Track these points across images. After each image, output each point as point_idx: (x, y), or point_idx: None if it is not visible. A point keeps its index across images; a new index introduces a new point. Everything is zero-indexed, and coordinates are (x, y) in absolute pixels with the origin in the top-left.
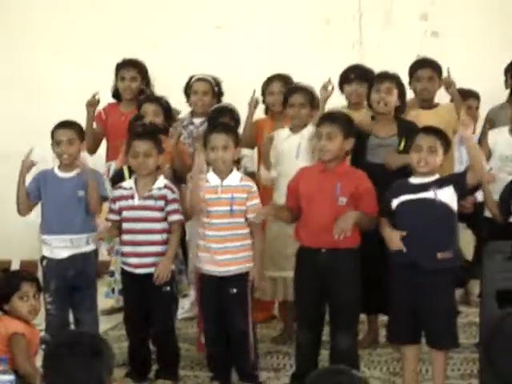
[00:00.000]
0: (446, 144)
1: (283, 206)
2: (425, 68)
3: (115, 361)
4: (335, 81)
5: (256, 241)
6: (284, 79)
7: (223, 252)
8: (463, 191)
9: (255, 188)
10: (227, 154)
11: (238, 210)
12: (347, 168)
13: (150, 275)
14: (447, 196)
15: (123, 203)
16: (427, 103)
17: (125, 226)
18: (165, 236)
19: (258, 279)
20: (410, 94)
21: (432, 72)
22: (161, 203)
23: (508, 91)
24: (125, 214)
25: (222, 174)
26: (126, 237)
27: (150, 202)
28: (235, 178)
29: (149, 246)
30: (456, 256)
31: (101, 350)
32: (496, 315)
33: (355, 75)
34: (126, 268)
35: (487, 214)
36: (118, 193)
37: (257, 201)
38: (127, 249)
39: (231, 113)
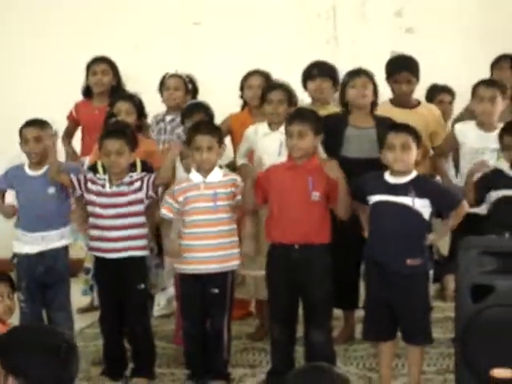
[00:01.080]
0: (418, 140)
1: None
2: (402, 72)
3: (91, 359)
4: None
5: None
6: (263, 75)
7: (204, 249)
8: (438, 213)
9: (239, 179)
10: (212, 154)
11: (223, 206)
12: (317, 163)
13: (123, 265)
14: (423, 208)
15: (94, 188)
16: (404, 102)
17: (97, 210)
18: (134, 220)
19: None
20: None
21: (409, 75)
22: (135, 186)
23: None
24: (96, 199)
25: (205, 172)
26: (96, 221)
27: (123, 188)
28: (218, 174)
29: (120, 231)
30: (426, 263)
31: (64, 348)
32: (471, 310)
33: (318, 71)
34: (98, 254)
35: None
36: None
37: None
38: (99, 233)
39: (205, 109)
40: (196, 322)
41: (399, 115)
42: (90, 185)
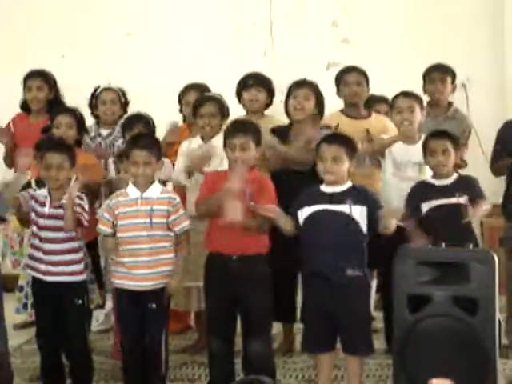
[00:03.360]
0: (352, 151)
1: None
2: (352, 73)
3: (29, 375)
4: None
5: (180, 253)
6: (200, 88)
7: (139, 266)
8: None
9: (178, 199)
10: (148, 169)
11: (158, 223)
12: (255, 175)
13: (60, 286)
14: (360, 215)
15: (36, 207)
16: (355, 111)
17: (35, 230)
18: (73, 245)
19: (174, 290)
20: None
21: (360, 76)
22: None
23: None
24: (36, 219)
25: (143, 187)
26: (35, 242)
27: (61, 211)
28: (156, 190)
29: (58, 256)
30: (366, 275)
31: None
32: (408, 320)
33: (253, 81)
34: (35, 274)
35: None
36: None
37: (181, 212)
38: (37, 254)
39: (145, 121)
40: (133, 337)
41: (348, 125)
42: (32, 203)
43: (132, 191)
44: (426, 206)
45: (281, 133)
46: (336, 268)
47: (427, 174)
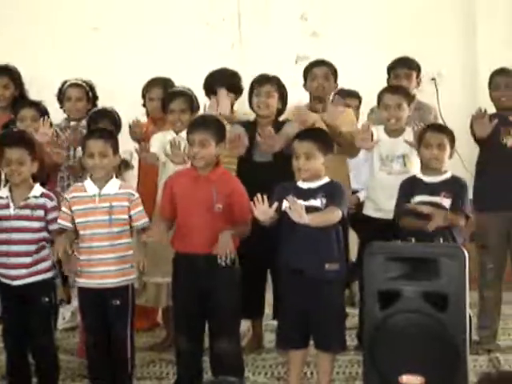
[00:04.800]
0: (326, 146)
1: (164, 224)
2: (320, 66)
3: None
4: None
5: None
6: (164, 83)
7: (99, 264)
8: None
9: (137, 195)
10: (105, 160)
11: (117, 219)
12: (221, 173)
13: (27, 286)
14: None
15: None
16: (320, 104)
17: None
18: (40, 246)
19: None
20: None
21: (327, 70)
22: (39, 213)
23: None
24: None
25: (101, 182)
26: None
27: (27, 212)
28: (114, 186)
29: (22, 257)
30: (343, 269)
31: None
32: (378, 316)
33: (218, 83)
34: (2, 280)
35: (368, 212)
36: None
37: (139, 208)
38: (1, 259)
39: (110, 116)
40: (98, 335)
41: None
42: None
43: (90, 187)
44: (413, 201)
45: (246, 126)
46: (313, 264)
47: (413, 167)
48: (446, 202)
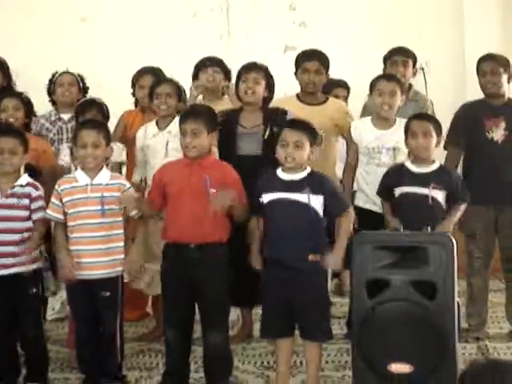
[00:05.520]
0: (314, 138)
1: (143, 199)
2: (312, 60)
3: None
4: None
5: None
6: (154, 72)
7: (91, 255)
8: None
9: (128, 185)
10: (98, 151)
11: (110, 210)
12: (213, 160)
13: (14, 276)
14: (318, 203)
15: None
16: (311, 97)
17: None
18: (26, 235)
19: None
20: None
21: (319, 65)
22: (25, 202)
23: None
24: None
25: (92, 173)
26: None
27: (13, 201)
28: (105, 176)
29: (8, 246)
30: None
31: None
32: (367, 305)
33: (210, 62)
34: None
35: (359, 203)
36: None
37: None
38: None
39: (98, 107)
40: (88, 326)
41: (303, 112)
42: None
43: (81, 177)
44: (398, 191)
45: (230, 116)
46: (296, 254)
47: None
48: (435, 193)
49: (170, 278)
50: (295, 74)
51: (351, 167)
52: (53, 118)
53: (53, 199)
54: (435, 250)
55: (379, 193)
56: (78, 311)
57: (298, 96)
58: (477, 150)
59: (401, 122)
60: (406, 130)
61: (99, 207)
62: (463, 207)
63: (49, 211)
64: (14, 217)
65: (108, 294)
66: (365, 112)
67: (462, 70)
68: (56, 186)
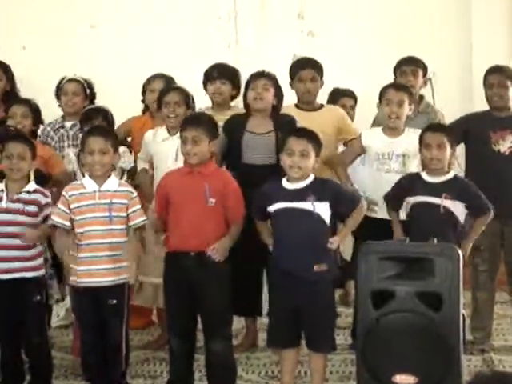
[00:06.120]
0: (319, 147)
1: (158, 221)
2: (307, 69)
3: None
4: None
5: (135, 246)
6: (166, 78)
7: (98, 262)
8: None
9: (135, 193)
10: (105, 158)
11: (117, 217)
12: (213, 168)
13: (18, 283)
14: (323, 210)
15: None
16: (308, 105)
17: None
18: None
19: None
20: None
21: (314, 72)
22: (30, 208)
23: None
24: None
25: (99, 180)
26: None
27: (19, 206)
28: (113, 183)
29: (12, 251)
30: (331, 269)
31: None
32: (371, 316)
33: (217, 73)
34: None
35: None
36: None
37: (138, 206)
38: None
39: (104, 114)
40: (93, 333)
41: (304, 118)
42: None
43: (89, 184)
44: (412, 200)
45: (237, 123)
46: (302, 265)
47: (411, 168)
48: (447, 203)
49: (171, 287)
50: (290, 84)
51: (346, 166)
52: (57, 126)
53: (59, 205)
54: (441, 261)
55: (388, 200)
56: (83, 319)
57: (296, 105)
58: (482, 163)
59: (409, 131)
60: (420, 141)
61: (107, 214)
62: (486, 219)
63: (54, 217)
64: (19, 222)
65: (115, 301)
66: (374, 125)
67: (469, 81)
68: (63, 192)
